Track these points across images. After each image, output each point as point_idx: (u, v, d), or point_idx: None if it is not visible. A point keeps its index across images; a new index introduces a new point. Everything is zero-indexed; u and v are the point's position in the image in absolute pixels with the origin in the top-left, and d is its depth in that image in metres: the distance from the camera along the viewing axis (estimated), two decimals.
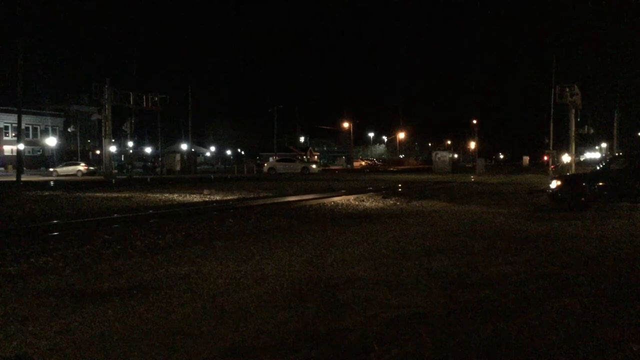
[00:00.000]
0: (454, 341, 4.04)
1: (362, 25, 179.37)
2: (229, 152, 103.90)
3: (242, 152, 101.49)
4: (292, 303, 5.08)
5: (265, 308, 4.93)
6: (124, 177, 41.11)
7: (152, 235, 9.27)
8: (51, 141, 59.88)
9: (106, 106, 40.20)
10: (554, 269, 6.54)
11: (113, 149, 49.34)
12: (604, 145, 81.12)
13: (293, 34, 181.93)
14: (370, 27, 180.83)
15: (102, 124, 41.90)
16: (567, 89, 41.18)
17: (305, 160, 58.58)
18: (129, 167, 51.07)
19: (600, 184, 13.76)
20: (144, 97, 44.22)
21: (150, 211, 14.12)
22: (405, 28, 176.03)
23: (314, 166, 50.21)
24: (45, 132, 74.02)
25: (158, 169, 54.64)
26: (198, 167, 66.28)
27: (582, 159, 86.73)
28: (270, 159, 58.96)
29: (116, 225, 10.91)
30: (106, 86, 39.57)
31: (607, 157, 38.81)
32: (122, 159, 67.42)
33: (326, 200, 16.92)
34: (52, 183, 28.97)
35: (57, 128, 78.33)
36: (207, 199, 18.20)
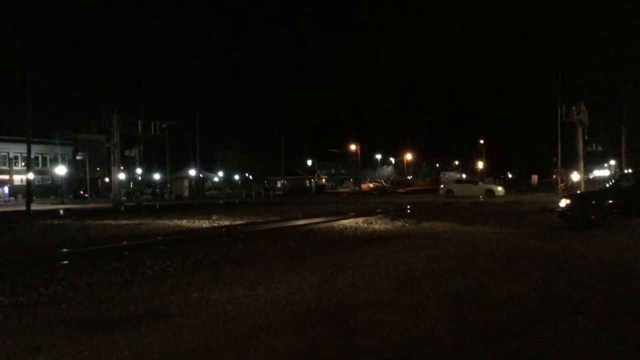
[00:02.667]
0: None
1: (365, 48, 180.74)
2: (237, 177, 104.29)
3: (250, 177, 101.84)
4: (303, 328, 5.06)
5: (275, 333, 4.92)
6: (133, 204, 41.29)
7: (161, 262, 9.29)
8: (61, 170, 60.21)
9: (114, 134, 40.75)
10: (565, 288, 6.49)
11: (122, 176, 49.71)
12: (612, 162, 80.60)
13: (298, 58, 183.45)
14: (374, 50, 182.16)
15: (111, 151, 42.43)
16: (574, 107, 41.07)
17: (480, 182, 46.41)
18: (138, 193, 51.33)
19: (610, 201, 13.68)
20: (152, 124, 44.74)
21: (159, 238, 14.16)
22: (408, 49, 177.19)
23: (499, 188, 40.46)
24: (54, 161, 74.79)
25: (167, 195, 54.98)
26: (206, 193, 66.58)
27: (591, 176, 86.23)
28: (446, 180, 53.09)
29: (125, 253, 10.94)
30: (114, 114, 40.15)
31: (616, 175, 38.52)
32: (131, 185, 67.82)
33: (335, 224, 16.90)
34: (61, 212, 29.14)
35: (67, 157, 79.18)
36: (216, 225, 18.24)
